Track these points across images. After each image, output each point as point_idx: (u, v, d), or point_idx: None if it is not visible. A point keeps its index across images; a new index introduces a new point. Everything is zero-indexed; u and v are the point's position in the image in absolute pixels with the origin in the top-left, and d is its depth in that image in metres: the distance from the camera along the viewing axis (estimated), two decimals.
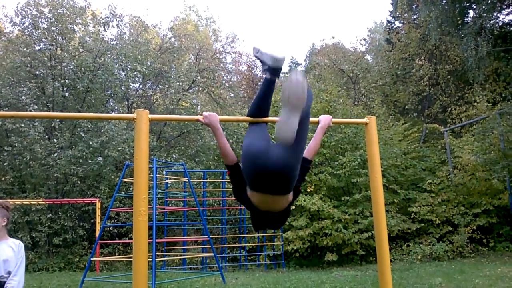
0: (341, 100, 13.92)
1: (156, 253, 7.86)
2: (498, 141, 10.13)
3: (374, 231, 2.93)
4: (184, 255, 10.31)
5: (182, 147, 15.35)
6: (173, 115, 3.40)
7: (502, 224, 10.72)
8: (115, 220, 12.67)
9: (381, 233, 2.87)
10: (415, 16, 19.08)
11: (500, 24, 16.22)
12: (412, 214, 10.97)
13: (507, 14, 16.85)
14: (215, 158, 15.69)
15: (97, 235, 10.49)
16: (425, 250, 10.08)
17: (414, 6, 18.71)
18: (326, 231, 10.30)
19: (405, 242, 11.01)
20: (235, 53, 22.10)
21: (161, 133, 15.60)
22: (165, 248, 11.26)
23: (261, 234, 11.27)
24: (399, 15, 20.13)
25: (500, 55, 14.64)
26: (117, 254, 12.18)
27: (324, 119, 2.93)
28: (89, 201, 11.92)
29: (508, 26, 16.54)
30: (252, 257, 11.47)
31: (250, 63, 23.92)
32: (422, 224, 10.90)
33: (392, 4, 21.85)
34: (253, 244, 11.41)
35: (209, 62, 19.17)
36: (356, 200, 10.88)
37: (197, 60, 19.61)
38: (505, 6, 15.96)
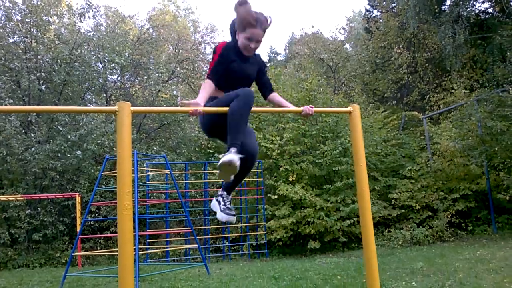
0: (321, 89, 13.96)
1: (139, 246, 7.80)
2: (476, 127, 10.31)
3: (360, 218, 2.95)
4: (167, 247, 10.26)
5: (163, 139, 15.23)
6: (157, 107, 3.28)
7: (480, 208, 10.97)
8: (96, 214, 12.52)
9: (366, 220, 2.88)
10: (393, 5, 19.21)
11: (476, 12, 16.45)
12: (393, 200, 11.12)
13: (483, 2, 17.11)
14: (196, 149, 15.63)
15: (78, 230, 10.36)
16: (405, 235, 10.24)
17: None
18: (309, 220, 10.38)
19: (386, 228, 11.18)
20: (215, 43, 21.87)
21: (141, 125, 15.43)
22: (148, 241, 11.20)
23: (244, 224, 11.29)
24: (378, 4, 20.25)
25: (477, 42, 14.87)
26: (98, 248, 12.06)
27: (305, 108, 3.01)
28: (69, 196, 11.74)
29: (484, 13, 16.80)
30: (235, 247, 11.49)
31: None
32: (403, 210, 11.06)
33: None
34: (236, 235, 11.43)
35: (188, 53, 18.97)
36: (338, 188, 10.97)
37: (176, 51, 19.39)
38: None
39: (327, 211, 10.59)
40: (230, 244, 11.28)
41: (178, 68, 16.61)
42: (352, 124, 2.97)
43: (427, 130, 12.63)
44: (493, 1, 16.89)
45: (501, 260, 6.37)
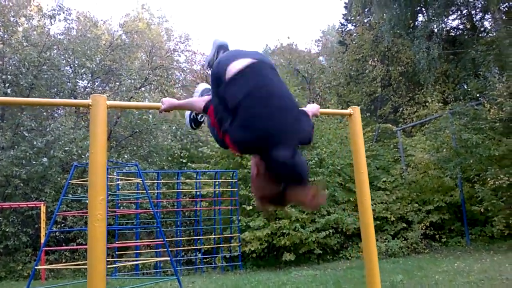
0: (297, 100, 13.85)
1: (107, 259, 7.39)
2: (450, 139, 10.40)
3: (360, 229, 2.73)
4: (137, 260, 9.84)
5: (134, 147, 14.78)
6: (134, 102, 3.07)
7: (453, 220, 11.03)
8: (62, 225, 11.94)
9: (368, 230, 2.66)
10: (367, 20, 19.43)
11: (447, 29, 16.81)
12: None
13: (453, 20, 17.58)
14: (169, 158, 15.27)
15: (42, 241, 9.82)
16: (381, 247, 10.17)
17: (366, 10, 19.05)
18: (284, 231, 10.18)
19: (361, 240, 11.06)
20: (189, 51, 21.62)
21: (111, 133, 14.94)
22: (116, 253, 10.72)
23: (218, 236, 10.99)
24: (352, 18, 20.47)
25: (449, 57, 15.15)
26: (63, 261, 11.47)
27: (312, 108, 2.64)
28: (33, 205, 11.14)
29: (455, 30, 17.21)
30: (207, 260, 11.15)
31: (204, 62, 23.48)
32: (378, 222, 11.00)
33: (345, 7, 22.26)
34: (209, 246, 11.10)
35: (162, 60, 18.63)
36: None
37: (150, 57, 19.01)
38: (451, 12, 16.60)
39: (302, 222, 10.42)
40: (202, 256, 10.93)
41: (151, 75, 16.24)
42: (352, 127, 2.78)
43: (401, 142, 12.69)
44: (464, 18, 17.35)
45: (479, 272, 6.32)
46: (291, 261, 10.27)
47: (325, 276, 7.50)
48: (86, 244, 10.54)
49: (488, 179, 8.67)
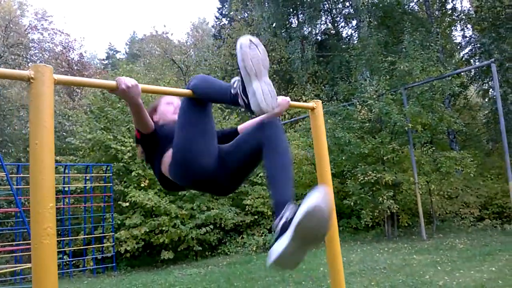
0: None
1: None
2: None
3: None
4: None
5: None
6: (85, 78, 2.42)
7: None
8: None
9: (333, 232, 2.44)
10: (241, 16, 19.68)
11: (316, 32, 17.92)
12: (246, 206, 11.19)
13: (320, 25, 18.82)
14: (27, 149, 13.54)
15: None
16: (259, 241, 10.40)
17: (245, 6, 19.30)
18: (163, 228, 9.76)
19: (239, 235, 11.19)
20: (53, 30, 19.33)
21: None
22: None
23: (88, 236, 10.05)
24: (227, 13, 20.59)
25: (320, 59, 16.14)
26: None
27: (282, 103, 2.25)
28: None
29: (323, 34, 18.43)
30: (75, 262, 10.16)
31: (66, 44, 21.29)
32: (255, 216, 11.22)
33: (220, 1, 22.29)
34: (78, 248, 10.11)
35: (21, 37, 16.40)
36: (193, 194, 10.58)
37: (6, 34, 16.57)
38: (319, 18, 17.74)
39: (181, 219, 10.12)
40: (71, 259, 9.89)
41: (7, 53, 14.20)
42: (314, 122, 2.51)
43: None
44: (330, 24, 18.68)
45: (358, 263, 6.78)
46: (169, 259, 9.91)
47: (213, 274, 7.34)
48: None
49: (358, 174, 9.40)
